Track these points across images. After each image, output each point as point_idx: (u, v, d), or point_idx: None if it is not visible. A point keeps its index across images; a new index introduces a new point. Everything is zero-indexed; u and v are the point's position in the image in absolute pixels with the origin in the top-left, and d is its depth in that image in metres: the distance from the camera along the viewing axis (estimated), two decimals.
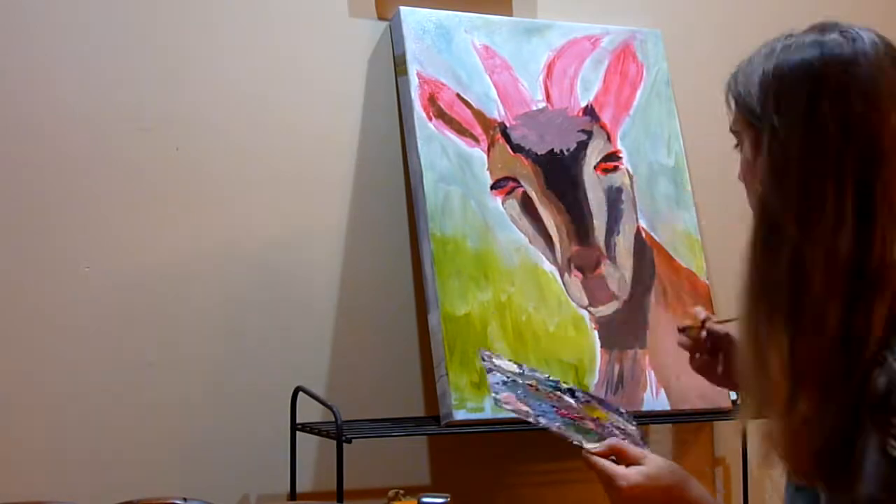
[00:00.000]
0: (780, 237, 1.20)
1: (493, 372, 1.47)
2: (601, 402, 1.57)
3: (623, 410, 1.58)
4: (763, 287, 1.22)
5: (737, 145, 1.31)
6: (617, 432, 1.46)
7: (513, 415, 1.40)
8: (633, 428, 1.52)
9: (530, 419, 1.39)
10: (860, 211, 1.17)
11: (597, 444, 1.35)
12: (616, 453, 1.34)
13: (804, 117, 1.19)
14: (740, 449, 2.11)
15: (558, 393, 1.50)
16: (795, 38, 1.24)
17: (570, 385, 1.55)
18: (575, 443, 1.36)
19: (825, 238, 1.17)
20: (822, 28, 1.24)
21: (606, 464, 1.33)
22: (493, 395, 1.42)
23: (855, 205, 1.17)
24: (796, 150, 1.19)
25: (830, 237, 1.17)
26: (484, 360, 1.52)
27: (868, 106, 1.19)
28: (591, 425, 1.43)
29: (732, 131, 1.30)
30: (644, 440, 1.52)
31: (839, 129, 1.18)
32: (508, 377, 1.47)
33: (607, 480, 1.32)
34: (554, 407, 1.44)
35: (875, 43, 1.22)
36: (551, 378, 1.55)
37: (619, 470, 1.32)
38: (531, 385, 1.48)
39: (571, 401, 1.50)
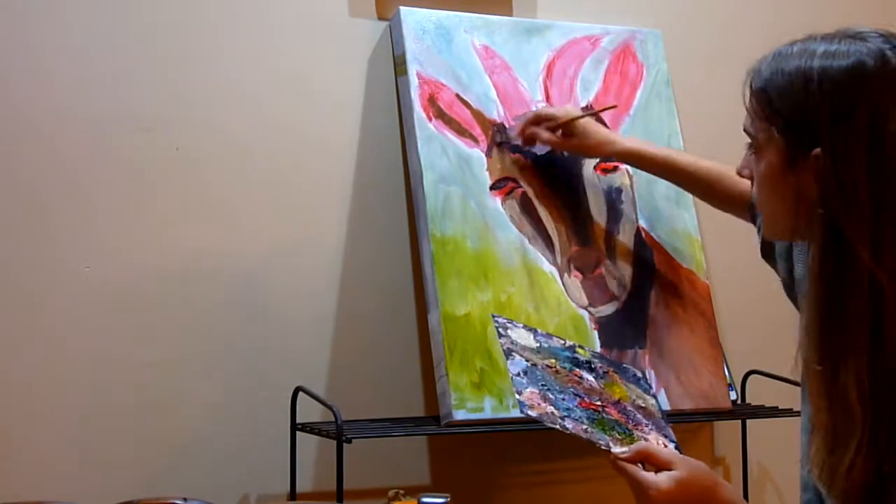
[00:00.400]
0: (855, 265, 1.14)
1: (512, 355, 1.44)
2: (618, 368, 1.55)
3: (639, 375, 1.57)
4: (839, 317, 1.16)
5: (751, 146, 1.26)
6: (640, 416, 1.45)
7: (541, 420, 1.38)
8: (652, 400, 1.52)
9: (557, 424, 1.36)
10: None
11: (625, 449, 1.33)
12: (644, 458, 1.32)
13: (868, 135, 1.13)
14: (740, 449, 2.11)
15: (578, 371, 1.48)
16: (837, 45, 1.18)
17: (587, 356, 1.53)
18: (602, 446, 1.35)
19: None
20: (861, 35, 1.18)
21: (636, 471, 1.31)
22: (516, 394, 1.38)
23: None
24: (863, 171, 1.13)
25: None
26: (500, 333, 1.48)
27: None
28: (614, 413, 1.42)
29: (748, 132, 1.25)
30: (663, 413, 1.52)
31: None
32: (527, 361, 1.44)
33: (637, 487, 1.30)
34: (577, 397, 1.42)
35: None
36: (567, 345, 1.53)
37: (650, 477, 1.29)
38: (550, 366, 1.46)
39: (591, 377, 1.48)
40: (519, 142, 1.94)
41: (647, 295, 1.98)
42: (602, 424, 1.40)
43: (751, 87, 1.24)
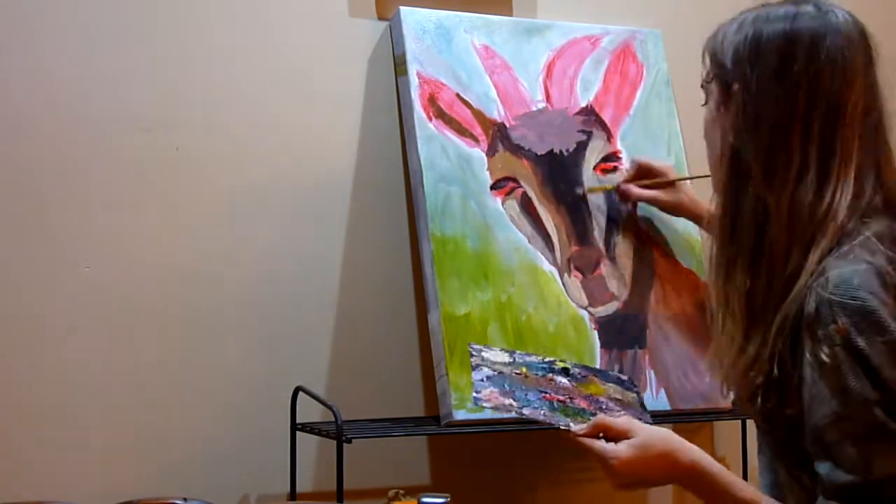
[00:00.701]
0: (746, 184, 1.30)
1: (479, 368, 1.47)
2: (599, 373, 1.57)
3: (625, 377, 1.58)
4: (729, 231, 1.31)
5: (705, 102, 1.41)
6: (612, 404, 1.45)
7: (497, 414, 1.41)
8: (633, 395, 1.52)
9: (513, 412, 1.39)
10: (820, 165, 1.27)
11: (582, 425, 1.35)
12: (602, 430, 1.35)
13: (777, 73, 1.29)
14: (740, 449, 2.11)
15: (550, 375, 1.50)
16: (772, 8, 1.34)
17: (567, 364, 1.54)
18: (562, 426, 1.36)
19: (789, 187, 1.27)
20: (797, 1, 1.33)
21: (594, 443, 1.34)
22: (474, 394, 1.42)
23: (817, 158, 1.27)
24: (768, 103, 1.29)
25: (794, 187, 1.27)
26: (472, 354, 1.52)
27: (836, 70, 1.28)
28: (582, 404, 1.43)
29: (703, 87, 1.41)
30: (644, 406, 1.52)
31: (808, 87, 1.28)
32: (494, 371, 1.46)
33: (600, 460, 1.34)
34: (542, 392, 1.43)
35: (846, 17, 1.32)
36: (546, 360, 1.54)
37: (608, 447, 1.33)
38: (519, 373, 1.47)
39: (565, 380, 1.49)
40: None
41: (647, 295, 1.98)
42: (565, 411, 1.40)
43: (704, 51, 1.42)
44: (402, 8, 1.93)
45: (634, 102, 2.07)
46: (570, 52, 2.04)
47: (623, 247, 1.98)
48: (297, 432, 1.82)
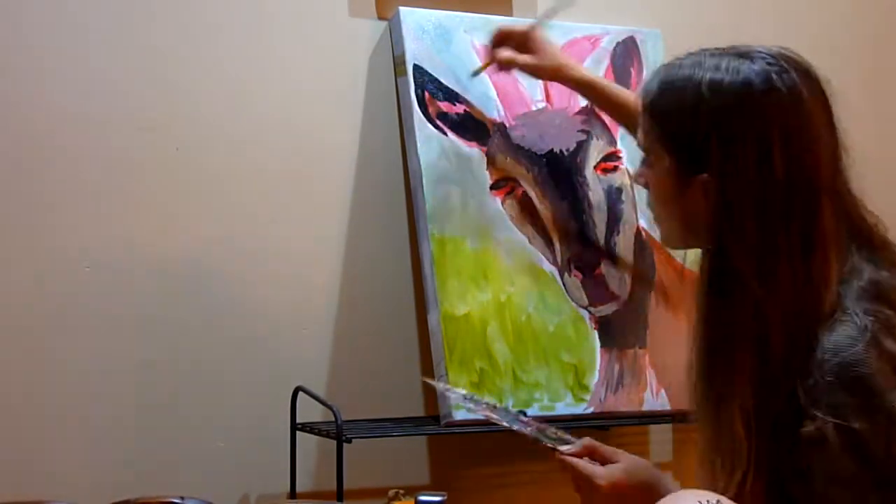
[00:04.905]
0: (742, 292, 1.15)
1: (450, 391, 1.50)
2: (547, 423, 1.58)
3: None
4: (723, 344, 1.17)
5: (645, 160, 1.26)
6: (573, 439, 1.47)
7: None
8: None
9: (504, 423, 1.40)
10: (804, 254, 1.13)
11: (570, 446, 1.36)
12: (591, 452, 1.35)
13: (755, 165, 1.14)
14: None
15: (513, 412, 1.52)
16: (725, 65, 1.17)
17: (520, 409, 1.58)
18: (549, 445, 1.37)
19: (786, 295, 1.13)
20: (748, 55, 1.17)
21: (585, 464, 1.34)
22: (463, 405, 1.43)
23: (800, 250, 1.13)
24: (751, 201, 1.15)
25: (791, 294, 1.13)
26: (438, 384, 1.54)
27: (806, 147, 1.15)
28: (553, 434, 1.44)
29: (641, 147, 1.25)
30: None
31: (785, 175, 1.14)
32: (466, 396, 1.50)
33: (586, 480, 1.32)
34: (519, 420, 1.46)
35: (806, 71, 1.18)
36: (500, 404, 1.58)
37: (598, 469, 1.33)
38: (487, 404, 1.50)
39: (525, 418, 1.51)
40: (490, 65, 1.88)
41: (647, 294, 1.98)
42: (544, 436, 1.42)
43: (642, 103, 1.24)
44: (401, 8, 1.93)
45: None
46: (570, 52, 2.04)
47: (623, 247, 1.98)
48: (297, 432, 1.82)
